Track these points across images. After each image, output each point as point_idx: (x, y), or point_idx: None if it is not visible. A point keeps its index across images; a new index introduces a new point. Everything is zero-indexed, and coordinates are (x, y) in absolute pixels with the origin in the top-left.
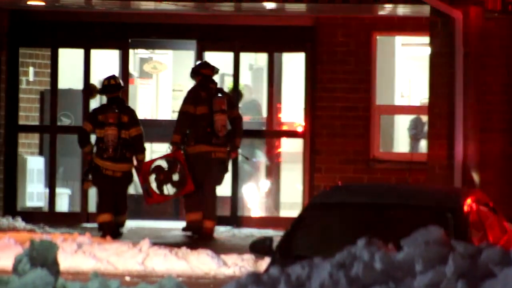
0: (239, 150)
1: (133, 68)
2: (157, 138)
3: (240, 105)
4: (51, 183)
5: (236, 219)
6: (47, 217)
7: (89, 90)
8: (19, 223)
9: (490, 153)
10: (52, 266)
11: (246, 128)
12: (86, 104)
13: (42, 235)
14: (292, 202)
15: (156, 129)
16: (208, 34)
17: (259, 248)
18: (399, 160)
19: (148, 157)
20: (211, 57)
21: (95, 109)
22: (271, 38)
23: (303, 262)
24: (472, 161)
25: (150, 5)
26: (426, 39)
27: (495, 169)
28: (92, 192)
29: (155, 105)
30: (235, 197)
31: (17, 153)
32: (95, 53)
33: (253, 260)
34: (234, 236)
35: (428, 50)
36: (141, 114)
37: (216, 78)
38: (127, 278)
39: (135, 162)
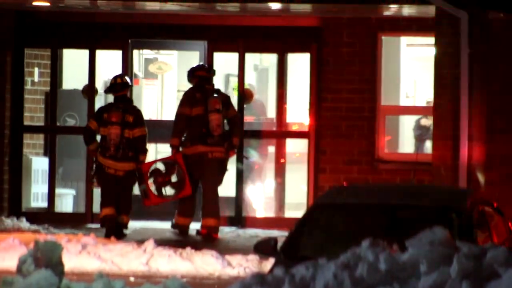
0: (244, 151)
1: (138, 69)
2: (162, 138)
3: (244, 105)
4: (51, 183)
5: (240, 220)
6: (51, 218)
7: (88, 91)
8: (24, 223)
9: (495, 154)
10: (56, 266)
11: (250, 129)
12: (91, 105)
13: (47, 236)
14: (296, 203)
15: (161, 130)
16: (213, 34)
17: (263, 248)
18: (404, 160)
19: (153, 157)
20: (216, 57)
21: (100, 108)
22: (276, 39)
23: (308, 263)
24: (477, 162)
25: (155, 6)
26: (431, 40)
27: (500, 169)
28: (97, 193)
29: (160, 106)
30: (239, 198)
31: (22, 153)
32: (100, 53)
33: (257, 260)
34: (238, 236)
35: (433, 51)
36: (146, 115)
37: (221, 78)
38: (132, 279)
39: None
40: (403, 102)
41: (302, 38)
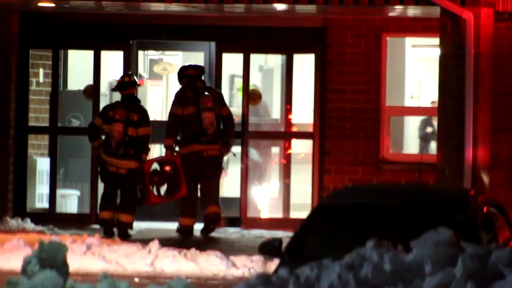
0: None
1: (143, 70)
2: None
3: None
4: (52, 184)
5: (244, 221)
6: (56, 219)
7: (89, 91)
8: (28, 224)
9: (500, 155)
10: (61, 267)
11: (255, 130)
12: (95, 105)
13: (51, 237)
14: (301, 204)
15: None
16: (218, 35)
17: (268, 249)
18: (409, 161)
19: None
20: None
21: (107, 105)
22: (281, 40)
23: (312, 264)
24: (482, 163)
25: (160, 7)
26: (436, 41)
27: (505, 170)
28: (101, 193)
29: (165, 107)
30: (243, 198)
31: (27, 154)
32: (105, 54)
33: (262, 261)
34: (243, 237)
35: (438, 52)
36: (151, 115)
37: (225, 79)
38: (136, 280)
39: None
40: (408, 102)
41: (307, 39)
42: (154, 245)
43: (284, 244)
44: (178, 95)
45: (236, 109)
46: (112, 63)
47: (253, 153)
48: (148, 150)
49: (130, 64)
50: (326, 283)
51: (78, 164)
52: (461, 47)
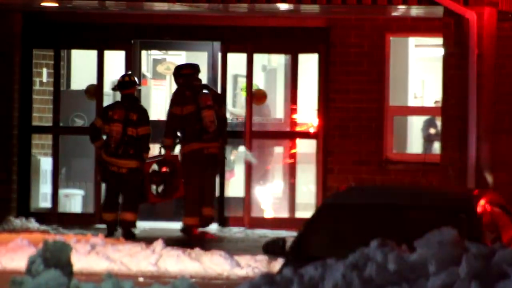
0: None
1: (146, 69)
2: None
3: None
4: (55, 184)
5: (248, 220)
6: (60, 218)
7: (91, 91)
8: (32, 224)
9: (503, 154)
10: (65, 267)
11: (258, 129)
12: (99, 105)
13: (56, 236)
14: (305, 203)
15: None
16: (222, 35)
17: (272, 249)
18: (412, 161)
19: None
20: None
21: (107, 106)
22: (284, 40)
23: (316, 263)
24: (485, 162)
25: (164, 6)
26: (439, 40)
27: (509, 170)
28: (103, 195)
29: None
30: (248, 198)
31: (31, 154)
32: (108, 54)
33: (266, 261)
34: (247, 237)
35: (441, 51)
36: (154, 115)
37: (229, 79)
38: (141, 279)
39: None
40: (411, 102)
41: (310, 39)
42: (158, 244)
43: (288, 244)
44: (176, 95)
45: (239, 109)
46: (116, 63)
47: (250, 157)
48: (148, 149)
49: (132, 64)
50: (330, 282)
51: (82, 163)
52: (464, 47)
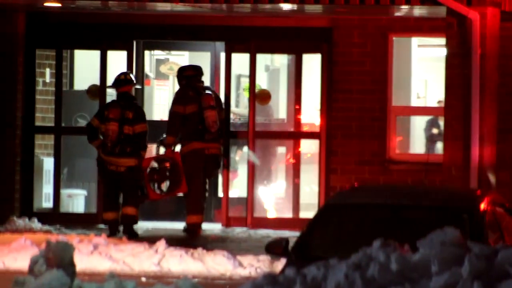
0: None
1: (149, 70)
2: None
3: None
4: (56, 184)
5: (250, 220)
6: (63, 218)
7: (94, 91)
8: (35, 224)
9: (506, 154)
10: (68, 267)
11: (261, 130)
12: (102, 105)
13: (58, 236)
14: (308, 203)
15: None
16: (225, 35)
17: (275, 249)
18: (415, 161)
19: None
20: (226, 58)
21: (103, 105)
22: (287, 40)
23: (319, 263)
24: (488, 162)
25: (166, 7)
26: (442, 40)
27: (511, 170)
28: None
29: None
30: (250, 198)
31: (34, 154)
32: (111, 54)
33: (269, 261)
34: (250, 237)
35: (444, 51)
36: (157, 115)
37: (232, 79)
38: (143, 279)
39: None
40: (414, 102)
41: (313, 39)
42: (161, 244)
43: (291, 244)
44: (179, 94)
45: (242, 109)
46: (119, 63)
47: (253, 157)
48: (146, 146)
49: (134, 64)
50: (333, 282)
51: (85, 164)
52: (467, 47)
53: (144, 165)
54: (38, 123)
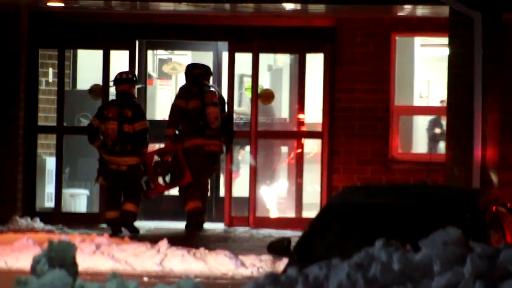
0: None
1: (152, 69)
2: None
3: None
4: (58, 183)
5: (252, 220)
6: (65, 218)
7: (96, 91)
8: (38, 223)
9: (509, 154)
10: (70, 266)
11: (262, 129)
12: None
13: (61, 236)
14: (310, 203)
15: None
16: (227, 35)
17: (277, 248)
18: (417, 161)
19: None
20: (228, 57)
21: (102, 105)
22: (290, 39)
23: (321, 263)
24: (491, 162)
25: (169, 6)
26: (445, 40)
27: None
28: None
29: None
30: (253, 198)
31: (36, 154)
32: (114, 54)
33: (271, 260)
34: (252, 236)
35: (447, 51)
36: (160, 115)
37: (234, 78)
38: (145, 279)
39: None
40: (417, 102)
41: (316, 39)
42: (163, 244)
43: (293, 244)
44: (183, 89)
45: (245, 109)
46: (122, 62)
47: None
48: (147, 144)
49: (137, 64)
50: (335, 282)
51: (87, 163)
52: (470, 47)
53: (148, 160)
54: (40, 122)
